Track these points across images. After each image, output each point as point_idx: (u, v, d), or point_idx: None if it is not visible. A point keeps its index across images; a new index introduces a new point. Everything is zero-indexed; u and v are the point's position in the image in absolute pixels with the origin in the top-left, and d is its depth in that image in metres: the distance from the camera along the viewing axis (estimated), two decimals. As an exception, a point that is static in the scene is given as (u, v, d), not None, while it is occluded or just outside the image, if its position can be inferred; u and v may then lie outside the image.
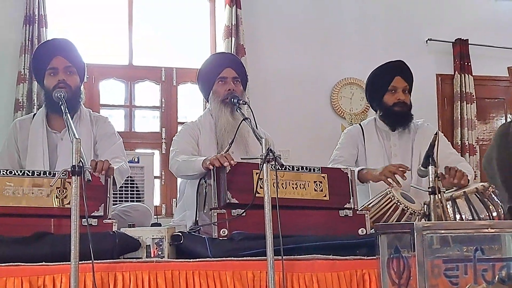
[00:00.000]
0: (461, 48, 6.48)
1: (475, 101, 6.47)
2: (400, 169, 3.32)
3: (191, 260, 2.53)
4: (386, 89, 3.72)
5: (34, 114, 3.50)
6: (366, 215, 2.95)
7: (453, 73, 6.51)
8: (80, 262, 2.21)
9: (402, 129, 3.75)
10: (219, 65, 3.54)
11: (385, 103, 3.74)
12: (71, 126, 2.55)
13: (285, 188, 2.83)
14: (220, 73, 3.50)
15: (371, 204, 3.22)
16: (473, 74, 6.49)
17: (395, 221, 3.09)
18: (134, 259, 2.55)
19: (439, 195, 2.79)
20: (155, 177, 5.25)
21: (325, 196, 2.90)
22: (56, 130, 3.38)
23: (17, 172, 2.72)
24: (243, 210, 2.70)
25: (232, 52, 5.63)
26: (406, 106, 3.71)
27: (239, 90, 3.48)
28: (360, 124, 3.91)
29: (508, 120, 6.72)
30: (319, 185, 2.91)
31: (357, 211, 2.94)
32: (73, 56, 3.37)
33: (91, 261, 2.28)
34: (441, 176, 3.10)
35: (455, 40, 6.51)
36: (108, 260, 2.44)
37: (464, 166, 3.51)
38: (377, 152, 3.71)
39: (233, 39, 5.82)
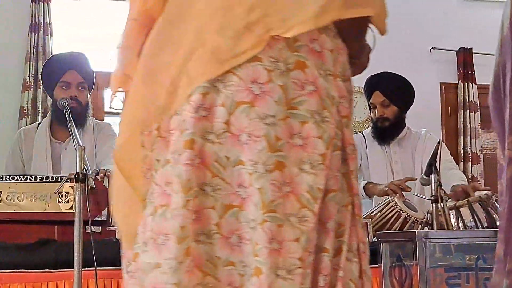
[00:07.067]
0: (465, 57, 6.47)
1: (479, 110, 6.45)
2: (405, 182, 3.31)
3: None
4: (369, 106, 3.76)
5: (39, 124, 3.51)
6: (368, 223, 2.94)
7: (457, 82, 6.50)
8: (83, 269, 2.22)
9: (400, 137, 3.73)
10: None
11: (372, 119, 3.79)
12: (75, 134, 2.55)
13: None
14: None
15: (374, 212, 3.22)
16: (477, 83, 6.47)
17: (398, 229, 3.09)
18: (137, 266, 2.55)
19: (441, 203, 2.80)
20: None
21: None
22: (60, 140, 3.39)
23: (19, 177, 2.73)
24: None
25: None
26: (388, 120, 3.66)
27: None
28: (362, 133, 3.91)
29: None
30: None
31: (360, 219, 2.93)
32: (86, 71, 3.39)
33: (94, 268, 2.29)
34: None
35: (459, 49, 6.50)
36: (111, 267, 2.45)
37: (456, 174, 3.53)
38: (379, 159, 3.71)
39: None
